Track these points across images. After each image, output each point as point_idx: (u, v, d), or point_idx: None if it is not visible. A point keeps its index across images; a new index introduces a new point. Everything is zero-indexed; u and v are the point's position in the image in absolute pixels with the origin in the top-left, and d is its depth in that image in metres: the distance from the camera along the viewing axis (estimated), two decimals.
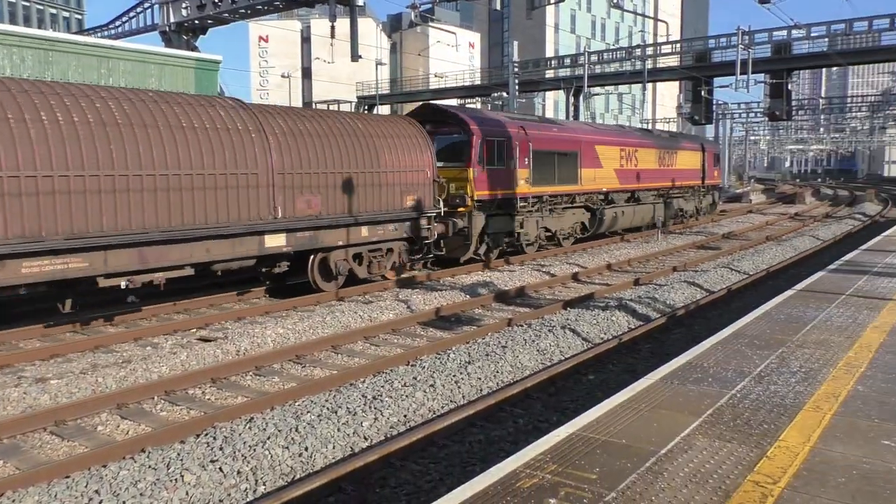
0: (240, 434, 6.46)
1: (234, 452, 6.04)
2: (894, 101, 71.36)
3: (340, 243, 13.61)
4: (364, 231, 14.12)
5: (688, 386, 5.85)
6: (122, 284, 10.42)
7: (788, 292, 10.20)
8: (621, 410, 5.28)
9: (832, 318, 8.33)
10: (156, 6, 30.07)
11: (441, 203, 15.92)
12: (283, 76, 62.74)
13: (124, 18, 33.53)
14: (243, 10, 27.11)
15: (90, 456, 6.17)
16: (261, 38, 74.06)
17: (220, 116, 11.59)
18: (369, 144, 14.12)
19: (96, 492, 5.42)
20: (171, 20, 28.81)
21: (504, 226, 18.41)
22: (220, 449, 6.14)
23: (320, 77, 69.17)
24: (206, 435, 6.55)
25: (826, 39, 36.86)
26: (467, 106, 53.24)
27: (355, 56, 21.00)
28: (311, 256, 13.39)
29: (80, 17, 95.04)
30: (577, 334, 10.40)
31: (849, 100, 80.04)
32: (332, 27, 21.54)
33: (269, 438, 6.31)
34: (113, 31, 34.29)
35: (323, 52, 64.52)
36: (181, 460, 5.92)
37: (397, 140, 14.93)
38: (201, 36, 29.36)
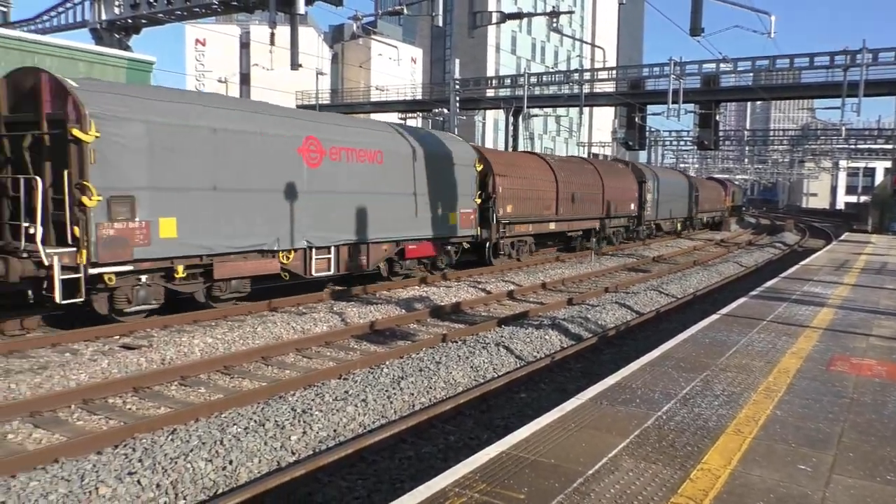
0: (161, 446, 6.24)
1: (154, 465, 5.82)
2: (812, 136, 75.13)
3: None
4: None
5: (616, 407, 5.95)
6: None
7: (713, 316, 10.54)
8: (551, 430, 5.33)
9: (753, 344, 8.64)
10: (87, 2, 29.05)
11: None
12: (219, 81, 61.45)
13: (53, 13, 32.24)
14: (179, 12, 26.42)
15: None
16: (198, 41, 72.44)
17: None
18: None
19: (2, 503, 5.13)
20: (103, 18, 27.85)
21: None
22: (140, 461, 5.91)
23: (259, 84, 68.14)
24: (126, 446, 6.30)
25: (751, 74, 38.55)
26: (408, 122, 53.30)
27: (295, 64, 20.74)
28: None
29: (4, 9, 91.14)
30: (510, 352, 10.48)
31: (771, 133, 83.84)
32: (272, 34, 21.27)
33: (191, 451, 6.10)
34: (40, 26, 32.92)
35: (262, 58, 63.66)
36: (97, 472, 5.67)
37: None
38: (134, 35, 28.47)
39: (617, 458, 4.81)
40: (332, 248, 14.52)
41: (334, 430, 7.10)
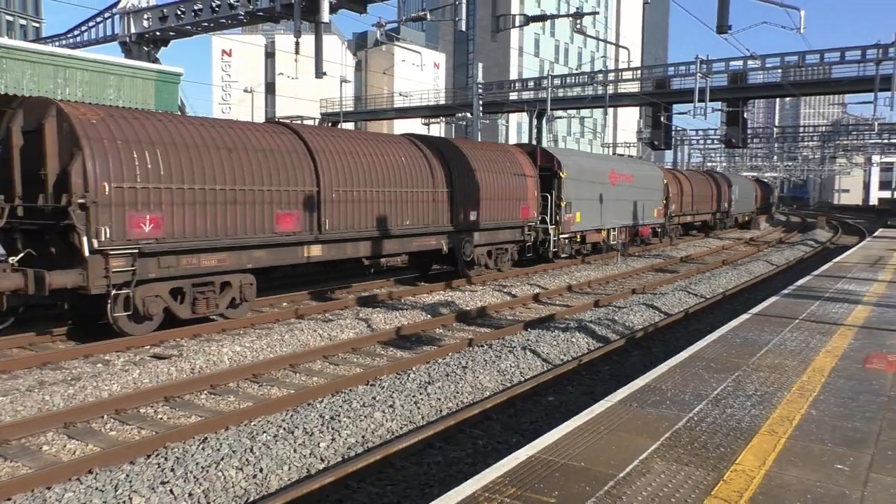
0: (192, 455, 6.29)
1: (186, 474, 5.87)
2: (844, 131, 73.69)
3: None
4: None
5: (646, 409, 5.88)
6: None
7: (744, 316, 10.38)
8: (580, 433, 5.28)
9: (786, 343, 8.49)
10: (116, 17, 29.57)
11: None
12: (245, 91, 62.18)
13: (83, 28, 32.87)
14: (206, 24, 26.78)
15: (33, 477, 5.92)
16: (224, 51, 73.40)
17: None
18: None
19: None
20: (132, 31, 28.33)
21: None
22: (172, 470, 5.96)
23: (284, 92, 68.82)
24: (157, 455, 6.36)
25: (780, 70, 37.95)
26: (431, 127, 53.34)
27: (319, 73, 20.88)
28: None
29: (37, 25, 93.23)
30: (537, 355, 10.41)
31: (801, 129, 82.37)
32: (297, 43, 21.39)
33: (222, 459, 6.15)
34: (71, 41, 33.57)
35: (287, 67, 64.22)
36: (130, 482, 5.73)
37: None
38: (163, 48, 28.93)
39: (648, 460, 4.75)
40: (615, 230, 25.14)
41: (363, 437, 7.11)
